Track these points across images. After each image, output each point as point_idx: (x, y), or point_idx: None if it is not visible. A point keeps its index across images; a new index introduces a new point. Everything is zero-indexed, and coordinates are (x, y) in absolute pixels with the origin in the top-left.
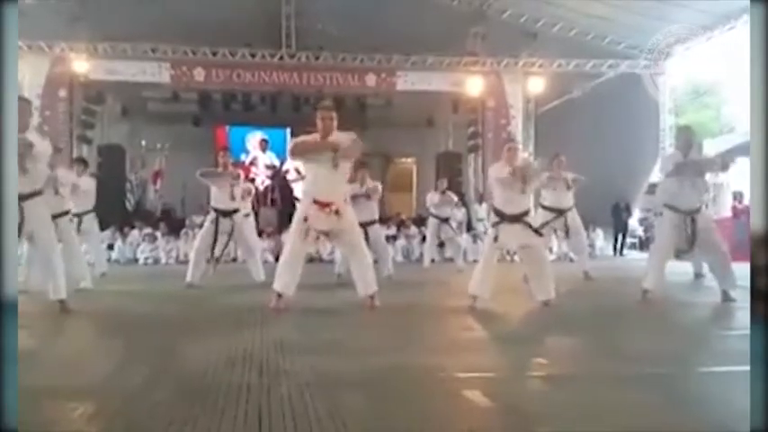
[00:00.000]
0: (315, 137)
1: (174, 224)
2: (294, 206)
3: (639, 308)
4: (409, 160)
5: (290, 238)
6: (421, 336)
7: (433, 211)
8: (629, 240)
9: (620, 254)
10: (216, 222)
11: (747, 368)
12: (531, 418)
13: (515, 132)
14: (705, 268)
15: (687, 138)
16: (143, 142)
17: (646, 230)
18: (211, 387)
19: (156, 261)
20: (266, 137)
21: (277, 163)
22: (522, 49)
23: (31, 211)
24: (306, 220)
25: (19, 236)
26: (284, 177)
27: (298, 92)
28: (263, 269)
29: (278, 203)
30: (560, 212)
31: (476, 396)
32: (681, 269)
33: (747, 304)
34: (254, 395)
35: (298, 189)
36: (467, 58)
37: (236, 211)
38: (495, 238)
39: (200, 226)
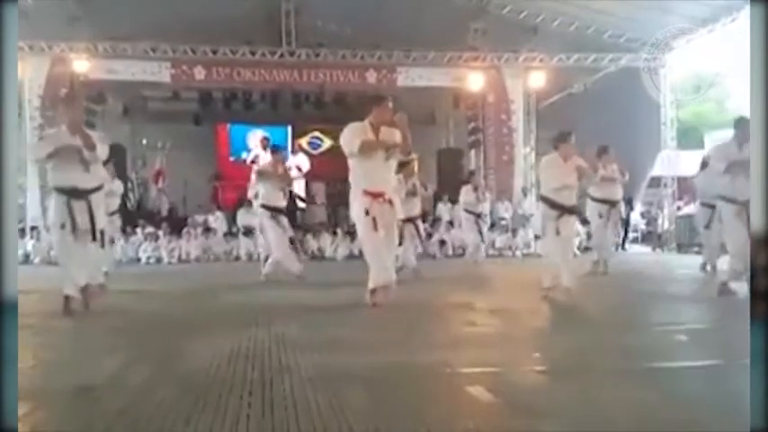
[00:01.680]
0: (366, 128)
1: (175, 223)
2: (295, 203)
3: (645, 302)
4: (411, 156)
5: (363, 235)
6: (426, 331)
7: (466, 207)
8: (631, 234)
9: (623, 248)
10: (275, 219)
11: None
12: (535, 413)
13: (516, 127)
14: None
15: (746, 130)
16: (144, 141)
17: (648, 224)
18: (214, 383)
19: (159, 260)
20: (267, 135)
21: None
22: (522, 44)
23: (96, 204)
24: (368, 213)
25: (74, 230)
26: None
27: (298, 89)
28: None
29: None
30: (613, 204)
31: (479, 392)
32: (689, 262)
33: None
34: (257, 391)
35: (297, 187)
36: (467, 54)
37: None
38: (558, 231)
39: (203, 225)
